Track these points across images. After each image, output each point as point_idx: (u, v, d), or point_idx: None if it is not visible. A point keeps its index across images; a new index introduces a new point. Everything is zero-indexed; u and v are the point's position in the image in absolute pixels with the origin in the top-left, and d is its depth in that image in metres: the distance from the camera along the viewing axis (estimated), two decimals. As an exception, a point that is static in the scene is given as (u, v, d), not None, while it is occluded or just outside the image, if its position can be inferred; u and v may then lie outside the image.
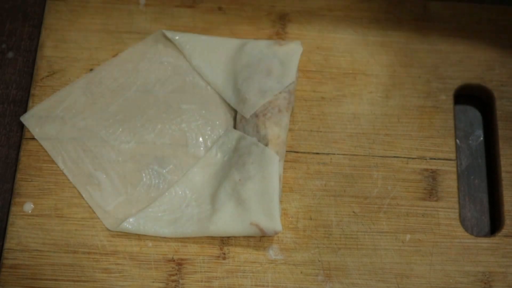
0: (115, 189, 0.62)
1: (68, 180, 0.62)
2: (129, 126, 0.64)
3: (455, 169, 0.64)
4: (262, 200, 0.60)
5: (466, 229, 0.63)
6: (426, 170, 0.64)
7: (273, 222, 0.59)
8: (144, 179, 0.63)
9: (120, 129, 0.64)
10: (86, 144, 0.64)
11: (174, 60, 0.67)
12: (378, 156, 0.65)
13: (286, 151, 0.64)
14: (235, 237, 0.61)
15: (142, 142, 0.64)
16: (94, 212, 0.61)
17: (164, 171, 0.63)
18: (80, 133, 0.64)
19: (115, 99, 0.65)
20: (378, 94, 0.67)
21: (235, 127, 0.65)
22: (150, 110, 0.65)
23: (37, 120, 0.64)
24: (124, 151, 0.64)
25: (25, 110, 0.66)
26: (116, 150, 0.64)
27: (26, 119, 0.64)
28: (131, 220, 0.60)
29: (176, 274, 0.60)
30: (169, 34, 0.67)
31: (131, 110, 0.65)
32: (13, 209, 0.61)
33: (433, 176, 0.64)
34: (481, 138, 0.68)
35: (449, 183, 0.64)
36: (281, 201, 0.62)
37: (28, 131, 0.64)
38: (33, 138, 0.64)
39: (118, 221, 0.61)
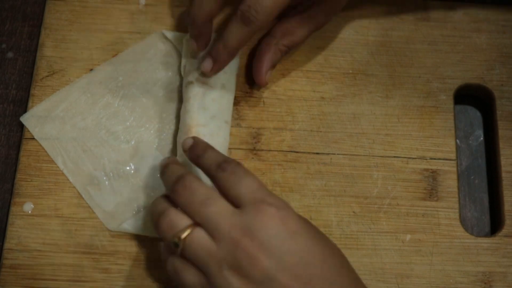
0: (115, 189, 0.62)
1: (68, 180, 0.62)
2: (129, 126, 0.65)
3: (455, 169, 0.64)
4: None
5: (466, 229, 0.63)
6: (426, 170, 0.64)
7: None
8: (144, 179, 0.63)
9: (120, 129, 0.64)
10: (86, 144, 0.64)
11: (174, 60, 0.67)
12: (378, 156, 0.65)
13: (286, 151, 0.64)
14: (235, 237, 0.61)
15: (142, 142, 0.64)
16: (94, 212, 0.61)
17: None
18: (80, 133, 0.64)
19: (115, 99, 0.65)
20: (378, 94, 0.67)
21: None
22: (150, 110, 0.65)
23: (37, 120, 0.64)
24: (124, 151, 0.64)
25: (25, 110, 0.65)
26: (116, 150, 0.64)
27: (26, 119, 0.64)
28: (131, 220, 0.60)
29: (176, 274, 0.60)
30: (168, 34, 0.67)
31: (131, 110, 0.65)
32: (13, 209, 0.61)
33: (433, 176, 0.64)
34: (481, 138, 0.68)
35: (449, 183, 0.64)
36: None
37: (28, 131, 0.64)
38: (33, 138, 0.64)
39: (118, 221, 0.61)
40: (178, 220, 0.53)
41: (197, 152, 0.56)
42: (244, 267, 0.50)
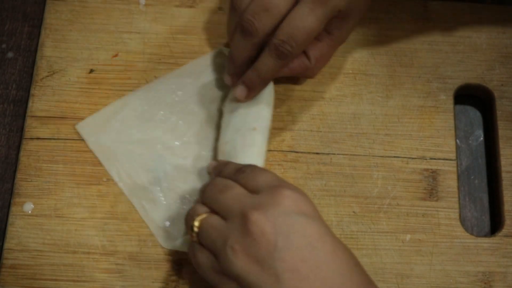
0: (170, 206, 0.61)
1: (68, 180, 0.62)
2: (186, 142, 0.64)
3: (455, 169, 0.64)
4: None
5: (466, 229, 0.63)
6: (426, 170, 0.64)
7: None
8: None
9: (177, 145, 0.63)
10: (141, 157, 0.63)
11: None
12: (378, 156, 0.65)
13: (286, 151, 0.64)
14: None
15: (199, 159, 0.63)
16: (150, 229, 0.61)
17: None
18: (136, 146, 0.63)
19: (172, 113, 0.64)
20: (378, 94, 0.67)
21: None
22: (207, 127, 0.64)
23: (92, 129, 0.63)
24: (181, 168, 0.62)
25: (25, 110, 0.65)
26: (173, 166, 0.62)
27: (81, 127, 0.63)
28: (186, 238, 0.59)
29: (176, 274, 0.60)
30: (226, 51, 0.66)
31: (188, 126, 0.64)
32: (13, 209, 0.61)
33: (433, 176, 0.64)
34: (481, 138, 0.68)
35: (449, 183, 0.64)
36: None
37: (28, 131, 0.64)
38: (33, 138, 0.64)
39: (173, 238, 0.60)
40: (199, 210, 0.54)
41: (219, 168, 0.58)
42: (249, 242, 0.48)
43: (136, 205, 0.61)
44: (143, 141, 0.63)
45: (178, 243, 0.60)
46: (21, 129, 0.65)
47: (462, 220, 0.64)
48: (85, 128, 0.64)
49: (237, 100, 0.62)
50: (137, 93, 0.65)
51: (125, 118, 0.64)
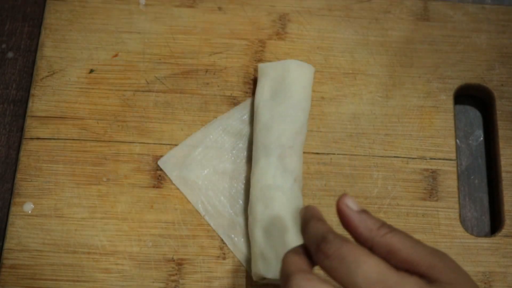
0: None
1: (68, 180, 0.62)
2: None
3: (455, 169, 0.64)
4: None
5: (466, 229, 0.63)
6: (426, 170, 0.64)
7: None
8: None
9: None
10: (226, 188, 0.62)
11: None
12: (378, 156, 0.65)
13: (286, 151, 0.64)
14: (235, 237, 0.61)
15: None
16: (237, 258, 0.60)
17: None
18: (220, 178, 0.62)
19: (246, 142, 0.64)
20: (378, 94, 0.67)
21: None
22: None
23: (174, 163, 0.63)
24: None
25: (25, 110, 0.65)
26: None
27: (163, 162, 0.63)
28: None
29: (176, 274, 0.60)
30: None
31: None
32: (13, 209, 0.61)
33: (433, 176, 0.64)
34: (481, 138, 0.68)
35: (449, 183, 0.64)
36: None
37: (28, 131, 0.64)
38: (33, 138, 0.64)
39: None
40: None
41: (302, 224, 0.47)
42: None
43: (224, 237, 0.60)
44: (225, 172, 0.63)
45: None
46: (21, 129, 0.65)
47: (462, 220, 0.64)
48: (166, 162, 0.63)
49: None
50: (213, 124, 0.64)
51: (205, 150, 0.63)
